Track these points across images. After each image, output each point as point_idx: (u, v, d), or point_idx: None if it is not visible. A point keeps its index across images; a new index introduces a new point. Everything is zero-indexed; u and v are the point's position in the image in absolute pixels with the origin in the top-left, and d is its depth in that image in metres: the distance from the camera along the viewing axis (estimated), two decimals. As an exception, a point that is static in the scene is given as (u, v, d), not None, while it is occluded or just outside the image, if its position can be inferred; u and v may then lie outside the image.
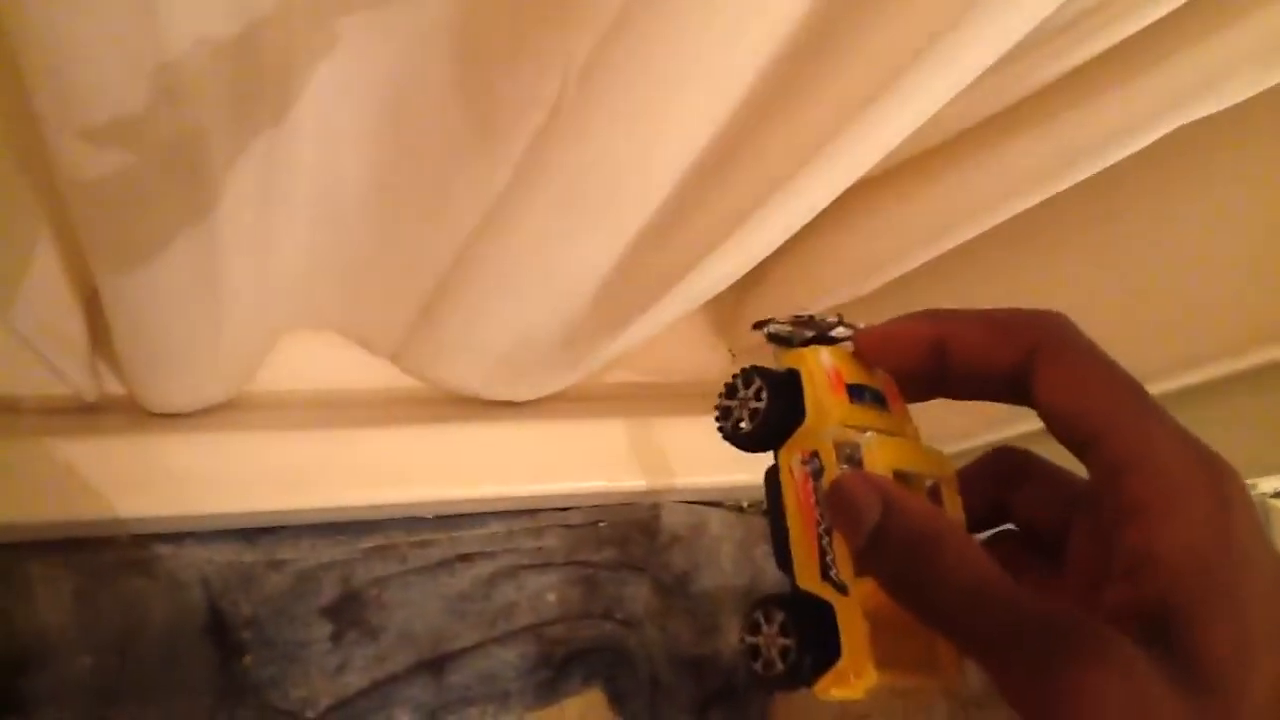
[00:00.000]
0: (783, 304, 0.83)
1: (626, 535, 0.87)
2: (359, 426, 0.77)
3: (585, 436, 0.83)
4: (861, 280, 0.74)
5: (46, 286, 0.57)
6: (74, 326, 0.63)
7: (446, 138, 0.52)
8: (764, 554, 0.88)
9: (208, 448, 0.72)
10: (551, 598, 0.83)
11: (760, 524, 0.92)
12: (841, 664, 0.30)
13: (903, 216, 0.70)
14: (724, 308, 0.90)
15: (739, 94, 0.48)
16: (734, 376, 0.34)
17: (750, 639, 0.32)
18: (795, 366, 0.33)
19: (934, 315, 0.32)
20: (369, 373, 0.81)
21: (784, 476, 0.33)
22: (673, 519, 0.89)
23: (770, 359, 0.35)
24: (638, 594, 0.86)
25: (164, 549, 0.73)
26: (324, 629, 0.76)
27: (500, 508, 0.82)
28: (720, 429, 0.34)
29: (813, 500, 0.32)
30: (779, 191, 0.53)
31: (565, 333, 0.69)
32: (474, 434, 0.80)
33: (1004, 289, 0.72)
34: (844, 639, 0.30)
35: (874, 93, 0.46)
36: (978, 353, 0.31)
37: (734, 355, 0.93)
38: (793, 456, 0.33)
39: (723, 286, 0.65)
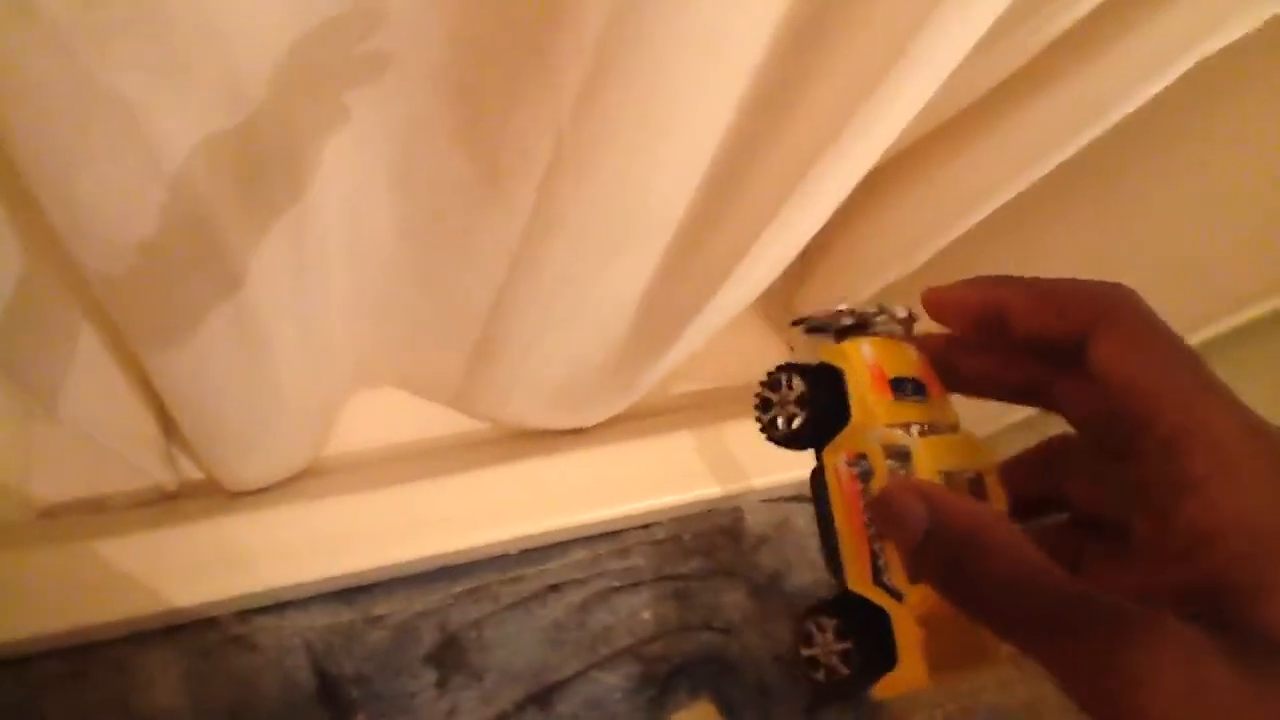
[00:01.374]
0: (833, 290, 0.83)
1: (712, 543, 0.87)
2: (435, 475, 0.78)
3: (657, 452, 0.83)
4: (909, 255, 0.73)
5: (107, 387, 0.59)
6: (142, 422, 0.65)
7: (460, 189, 0.53)
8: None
9: (292, 518, 0.73)
10: (646, 615, 0.83)
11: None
12: (897, 671, 0.30)
13: (941, 185, 0.69)
14: (776, 302, 0.89)
15: (735, 99, 0.48)
16: (773, 373, 0.34)
17: (807, 651, 0.32)
18: (838, 364, 0.33)
19: (996, 280, 0.32)
20: (436, 420, 0.82)
21: (830, 478, 0.32)
22: (756, 520, 0.88)
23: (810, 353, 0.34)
24: (733, 600, 0.86)
25: (265, 620, 0.75)
26: (429, 677, 0.78)
27: (583, 534, 0.83)
28: (761, 428, 0.34)
29: (861, 504, 0.31)
30: (803, 180, 0.52)
31: (614, 357, 0.69)
32: (547, 466, 0.81)
33: (1052, 252, 0.71)
34: (900, 646, 0.30)
35: (883, 64, 0.45)
36: (1039, 320, 0.31)
37: (793, 349, 0.92)
38: (838, 457, 0.32)
39: (764, 286, 0.64)
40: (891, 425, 0.31)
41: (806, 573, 0.88)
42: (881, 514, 0.30)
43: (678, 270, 0.60)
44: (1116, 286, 0.30)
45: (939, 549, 0.28)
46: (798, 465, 0.85)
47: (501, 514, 0.79)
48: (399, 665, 0.77)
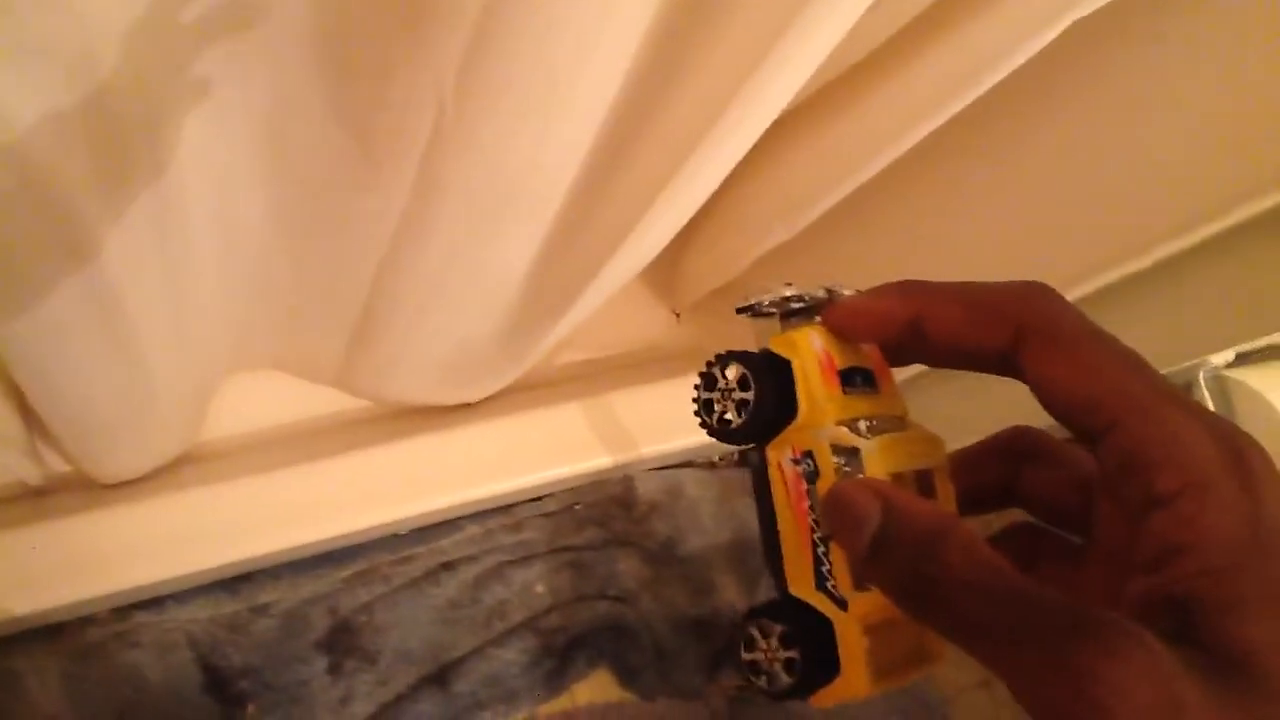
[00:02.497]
0: (717, 257, 0.83)
1: (605, 512, 0.87)
2: (318, 458, 0.76)
3: (546, 423, 0.83)
4: (792, 218, 0.73)
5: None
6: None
7: (333, 165, 0.51)
8: (744, 506, 0.88)
9: (167, 509, 0.70)
10: (541, 588, 0.82)
11: (735, 476, 0.92)
12: (839, 681, 0.30)
13: (822, 148, 0.69)
14: (660, 269, 0.89)
15: (624, 65, 0.47)
16: (714, 362, 0.32)
17: (748, 655, 0.31)
18: (785, 355, 0.31)
19: (907, 291, 0.31)
20: (317, 401, 0.80)
21: (773, 474, 0.31)
22: (647, 487, 0.88)
23: (750, 338, 0.33)
24: (627, 568, 0.86)
25: (145, 616, 0.72)
26: (320, 663, 0.76)
27: (474, 510, 0.82)
28: (700, 421, 0.32)
29: (806, 504, 0.30)
30: (696, 148, 0.52)
31: (501, 332, 0.68)
32: (434, 443, 0.79)
33: (930, 208, 0.72)
34: (843, 656, 0.29)
35: (777, 28, 0.45)
36: (958, 334, 0.29)
37: (678, 316, 0.92)
38: (783, 453, 0.31)
39: (651, 257, 0.64)
40: (841, 422, 0.30)
41: (699, 538, 0.89)
42: (832, 511, 0.29)
43: (568, 241, 0.59)
44: (1034, 288, 0.29)
45: (895, 553, 0.27)
46: (685, 431, 0.85)
47: (389, 494, 0.77)
48: (289, 654, 0.75)
